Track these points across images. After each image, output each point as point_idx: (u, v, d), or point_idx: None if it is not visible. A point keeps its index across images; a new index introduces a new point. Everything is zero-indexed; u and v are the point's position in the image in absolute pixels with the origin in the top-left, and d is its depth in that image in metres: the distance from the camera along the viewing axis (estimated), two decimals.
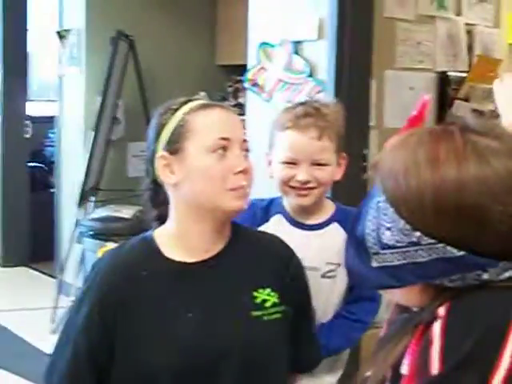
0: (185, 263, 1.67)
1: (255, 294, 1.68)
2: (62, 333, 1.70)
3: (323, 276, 2.08)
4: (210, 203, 1.63)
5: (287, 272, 1.76)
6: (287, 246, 1.82)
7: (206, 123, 1.65)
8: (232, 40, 5.90)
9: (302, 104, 2.11)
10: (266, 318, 1.67)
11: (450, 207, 1.04)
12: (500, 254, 1.05)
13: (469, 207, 1.04)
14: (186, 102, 1.70)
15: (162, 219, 1.73)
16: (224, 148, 1.62)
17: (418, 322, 1.10)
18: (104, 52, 5.23)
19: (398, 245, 1.09)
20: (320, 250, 2.04)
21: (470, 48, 4.78)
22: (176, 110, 1.68)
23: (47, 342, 4.83)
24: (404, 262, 1.09)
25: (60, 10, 5.82)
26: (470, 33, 4.77)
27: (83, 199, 5.11)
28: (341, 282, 2.12)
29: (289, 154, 2.03)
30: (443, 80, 4.52)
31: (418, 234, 1.07)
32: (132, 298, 1.63)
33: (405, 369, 1.09)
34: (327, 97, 3.36)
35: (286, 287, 1.73)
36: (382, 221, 1.11)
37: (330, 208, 2.16)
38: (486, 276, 1.07)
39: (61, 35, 5.73)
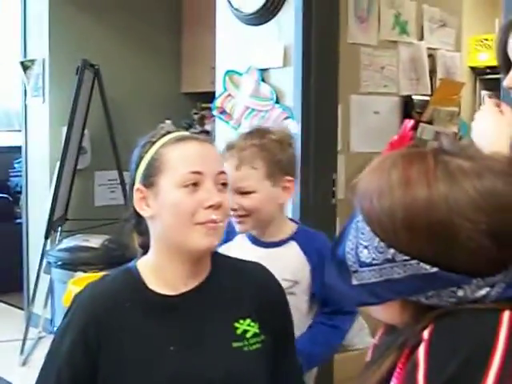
0: (166, 296, 1.67)
1: (236, 324, 1.68)
2: (45, 364, 1.68)
3: None
4: (179, 240, 1.62)
5: (267, 300, 1.76)
6: (268, 273, 1.82)
7: (178, 157, 1.63)
8: (197, 68, 5.93)
9: (242, 134, 2.25)
10: (246, 348, 1.66)
11: (420, 225, 1.07)
12: (472, 271, 1.08)
13: (438, 225, 1.06)
14: (165, 135, 1.69)
15: (145, 248, 1.73)
16: (196, 182, 1.60)
17: (401, 343, 1.11)
18: (68, 81, 5.22)
19: (375, 262, 1.12)
20: (275, 267, 2.08)
21: (433, 71, 4.86)
22: (154, 142, 1.67)
23: (16, 375, 4.79)
24: (381, 279, 1.12)
25: (23, 40, 5.81)
26: (431, 57, 4.86)
27: (50, 229, 5.08)
28: (298, 299, 2.19)
29: None
30: (407, 103, 4.59)
31: (392, 251, 1.10)
32: (115, 329, 1.62)
33: None
34: (279, 124, 3.40)
35: (266, 316, 1.73)
36: (360, 239, 1.15)
37: (289, 228, 2.27)
38: (460, 293, 1.09)
39: (24, 66, 5.72)
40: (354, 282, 1.16)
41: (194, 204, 1.60)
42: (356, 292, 1.16)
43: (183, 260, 1.65)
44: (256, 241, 2.25)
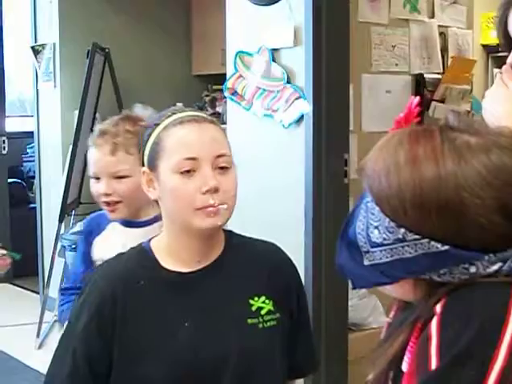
0: (180, 273, 1.67)
1: (251, 301, 1.69)
2: (60, 346, 1.70)
3: None
4: (182, 222, 1.63)
5: (282, 279, 1.77)
6: (283, 252, 1.83)
7: (175, 143, 1.62)
8: (207, 50, 5.92)
9: (113, 120, 2.26)
10: (261, 325, 1.67)
11: (430, 204, 1.07)
12: (484, 247, 1.08)
13: (448, 203, 1.06)
14: (169, 116, 1.68)
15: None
16: (191, 168, 1.60)
17: (414, 318, 1.12)
18: (79, 65, 5.22)
19: (386, 242, 1.12)
20: None
21: (444, 50, 4.84)
22: (157, 125, 1.67)
23: (34, 358, 4.83)
24: (392, 258, 1.12)
25: (34, 25, 5.81)
26: (443, 35, 4.83)
27: (64, 213, 5.10)
28: None
29: (92, 169, 2.21)
30: (419, 82, 4.57)
31: (402, 230, 1.10)
32: (129, 308, 1.64)
33: (405, 366, 1.11)
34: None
35: (281, 295, 1.74)
36: (370, 220, 1.15)
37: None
38: (473, 269, 1.09)
39: (35, 50, 5.72)
40: (366, 262, 1.16)
41: (190, 190, 1.59)
42: (368, 272, 1.16)
43: (193, 239, 1.66)
44: (128, 223, 2.24)
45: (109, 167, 2.15)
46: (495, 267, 1.09)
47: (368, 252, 1.15)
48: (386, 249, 1.13)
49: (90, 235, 2.32)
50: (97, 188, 2.19)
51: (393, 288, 1.17)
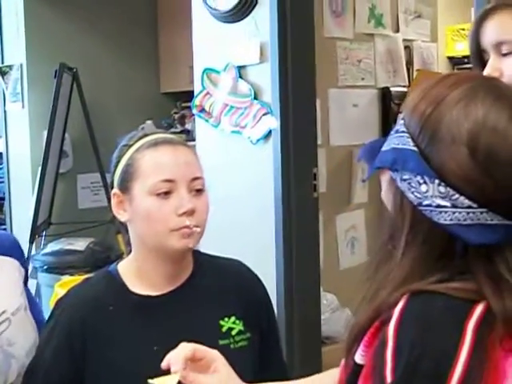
0: (149, 296, 1.67)
1: (221, 322, 1.70)
2: (30, 369, 1.69)
3: None
4: (155, 243, 1.63)
5: (250, 298, 1.78)
6: (250, 270, 1.84)
7: (150, 165, 1.63)
8: (175, 67, 5.93)
9: None
10: (232, 346, 1.68)
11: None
12: (444, 174, 1.08)
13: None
14: (141, 137, 1.69)
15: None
16: (168, 191, 1.61)
17: (378, 305, 1.11)
18: (47, 86, 5.20)
19: (392, 133, 1.17)
20: None
21: (409, 63, 4.90)
22: (130, 146, 1.68)
23: None
24: (385, 148, 1.16)
25: (0, 46, 5.79)
26: (408, 48, 4.89)
27: (35, 234, 5.07)
28: None
29: None
30: (385, 95, 4.61)
31: (401, 122, 1.14)
32: (100, 331, 1.64)
33: (359, 358, 1.12)
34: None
35: (251, 314, 1.74)
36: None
37: None
38: (423, 188, 1.08)
39: (2, 71, 5.70)
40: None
41: (166, 212, 1.60)
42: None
43: (163, 261, 1.66)
44: None
45: None
46: (441, 202, 1.08)
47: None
48: (389, 139, 1.16)
49: None
50: None
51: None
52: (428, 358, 1.01)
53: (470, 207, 1.07)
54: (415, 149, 1.10)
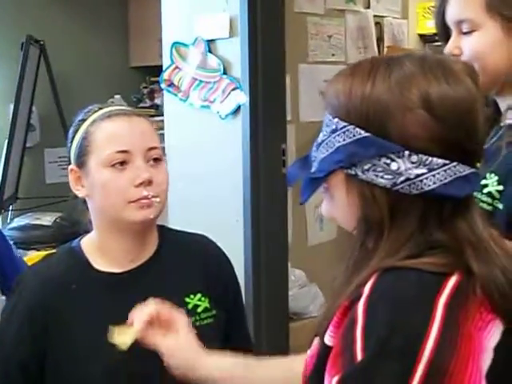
0: (113, 273, 1.66)
1: (187, 299, 1.68)
2: None
3: None
4: (114, 216, 1.61)
5: (216, 275, 1.76)
6: (216, 246, 1.82)
7: (104, 136, 1.60)
8: (145, 41, 5.86)
9: None
10: (198, 323, 1.66)
11: (356, 95, 1.11)
12: (406, 143, 1.08)
13: (372, 97, 1.10)
14: (96, 111, 1.66)
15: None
16: (123, 161, 1.58)
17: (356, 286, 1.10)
18: (14, 59, 5.13)
19: (324, 138, 1.16)
20: None
21: (380, 39, 4.89)
22: (84, 120, 1.64)
23: None
24: (327, 153, 1.14)
25: None
26: (378, 25, 4.88)
27: (1, 208, 5.02)
28: None
29: None
30: None
31: (335, 120, 1.13)
32: (62, 312, 1.61)
33: (328, 339, 1.11)
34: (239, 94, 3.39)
35: (217, 290, 1.73)
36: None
37: None
38: (394, 166, 1.08)
39: None
40: (312, 169, 1.18)
41: (122, 183, 1.58)
42: (311, 177, 1.18)
43: (124, 236, 1.64)
44: None
45: None
46: (418, 171, 1.08)
47: (314, 158, 1.18)
48: (323, 145, 1.15)
49: None
50: None
51: (335, 210, 1.19)
52: (398, 335, 1.00)
53: (444, 165, 1.09)
54: (368, 134, 1.10)
